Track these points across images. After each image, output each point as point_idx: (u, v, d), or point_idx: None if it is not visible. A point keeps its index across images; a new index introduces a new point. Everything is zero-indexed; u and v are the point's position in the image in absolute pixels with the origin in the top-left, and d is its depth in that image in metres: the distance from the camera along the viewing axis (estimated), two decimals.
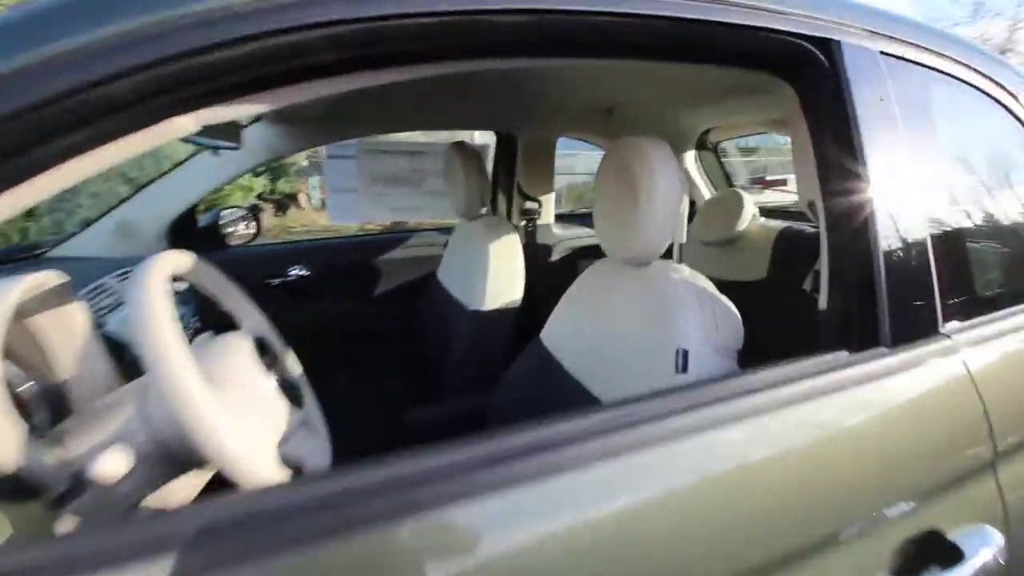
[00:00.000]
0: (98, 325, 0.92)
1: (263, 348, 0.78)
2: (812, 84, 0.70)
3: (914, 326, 0.68)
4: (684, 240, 0.89)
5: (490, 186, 1.54)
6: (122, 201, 1.51)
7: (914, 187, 0.70)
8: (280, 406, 0.72)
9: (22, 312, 0.65)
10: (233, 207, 1.89)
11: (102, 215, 1.49)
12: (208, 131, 0.97)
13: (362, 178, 1.78)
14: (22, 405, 0.61)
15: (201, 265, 0.81)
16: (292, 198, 10.01)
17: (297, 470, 0.80)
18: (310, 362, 1.76)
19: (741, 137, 2.14)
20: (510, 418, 1.20)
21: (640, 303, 0.90)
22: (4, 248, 1.45)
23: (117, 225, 1.49)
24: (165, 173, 1.53)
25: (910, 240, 0.68)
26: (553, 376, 1.08)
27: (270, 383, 0.72)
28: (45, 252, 1.45)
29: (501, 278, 1.44)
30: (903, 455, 0.62)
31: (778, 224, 1.75)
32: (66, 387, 0.70)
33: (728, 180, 2.15)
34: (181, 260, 0.74)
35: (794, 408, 0.57)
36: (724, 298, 0.85)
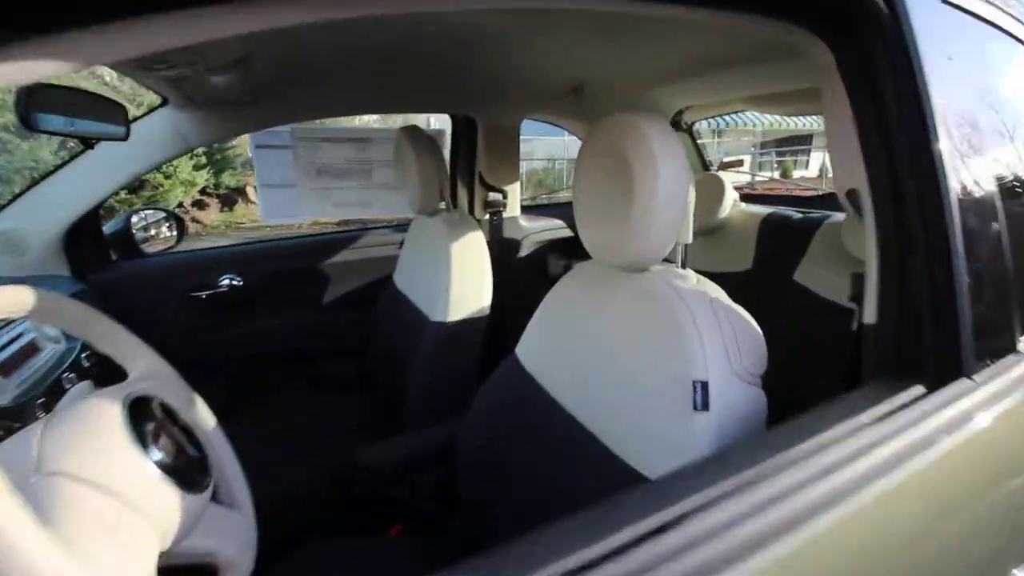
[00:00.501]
0: None
1: (144, 411, 0.57)
2: (864, 40, 0.54)
3: (994, 346, 0.54)
4: (690, 240, 0.73)
5: (448, 177, 1.34)
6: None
7: (988, 170, 0.55)
8: (166, 496, 0.52)
9: None
10: (150, 208, 1.63)
11: None
12: (76, 111, 0.72)
13: (299, 171, 1.55)
14: None
15: (52, 300, 0.59)
16: (239, 192, 9.41)
17: (207, 567, 0.61)
18: (245, 390, 1.53)
19: (715, 117, 2.02)
20: (484, 453, 1.03)
21: (639, 319, 0.73)
22: None
23: None
24: (54, 171, 1.25)
25: (989, 238, 0.53)
26: (535, 403, 0.91)
27: (147, 468, 0.51)
28: None
29: (467, 283, 1.26)
30: (1005, 513, 0.48)
31: (762, 210, 1.63)
32: None
33: (704, 164, 2.02)
34: (10, 300, 0.53)
35: (882, 481, 0.41)
36: (741, 310, 0.70)
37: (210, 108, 1.26)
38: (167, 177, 8.07)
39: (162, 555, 0.56)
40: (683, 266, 0.74)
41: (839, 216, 1.42)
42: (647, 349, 0.71)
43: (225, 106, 1.27)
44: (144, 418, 0.56)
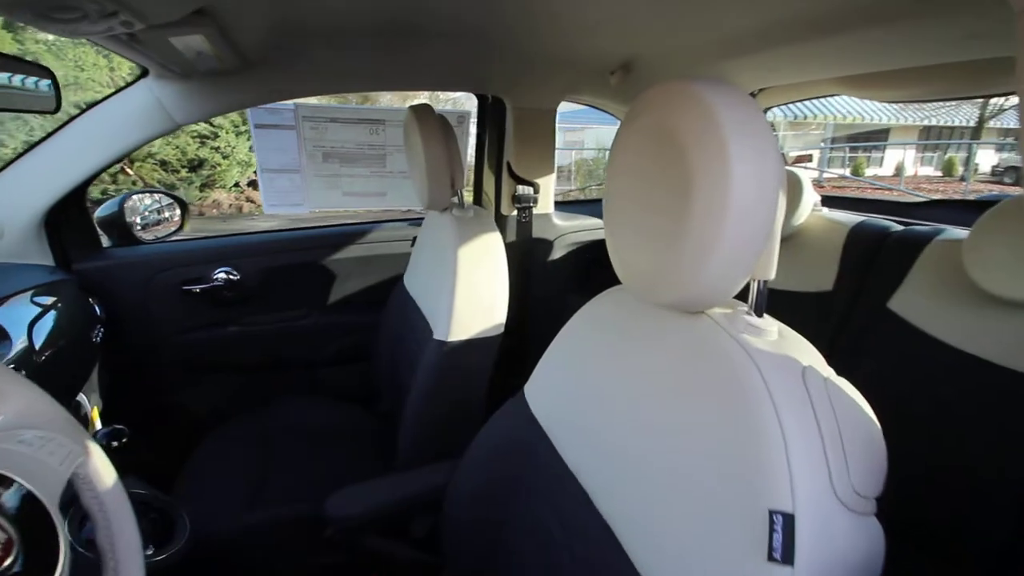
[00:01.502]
0: None
1: None
2: None
3: None
4: (772, 275, 0.48)
5: (460, 165, 1.14)
6: None
7: None
8: None
9: None
10: (150, 191, 1.51)
11: None
12: None
13: (304, 155, 1.38)
14: None
15: None
16: None
17: None
18: (236, 398, 1.38)
19: (796, 103, 1.70)
20: (477, 509, 0.82)
21: (687, 389, 0.50)
22: None
23: None
24: (27, 151, 1.13)
25: None
26: (541, 461, 0.70)
27: None
28: None
29: (477, 294, 1.05)
30: None
31: (848, 217, 1.33)
32: None
33: (783, 159, 1.70)
34: None
35: None
36: (849, 389, 0.45)
37: (194, 79, 1.10)
38: (224, 157, 8.33)
39: None
40: (760, 311, 0.50)
41: (956, 232, 1.11)
42: (696, 440, 0.47)
43: (210, 77, 1.10)
44: None
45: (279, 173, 1.39)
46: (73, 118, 1.12)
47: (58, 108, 0.80)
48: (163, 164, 7.96)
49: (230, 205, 8.73)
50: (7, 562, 0.41)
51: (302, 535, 1.02)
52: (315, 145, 1.39)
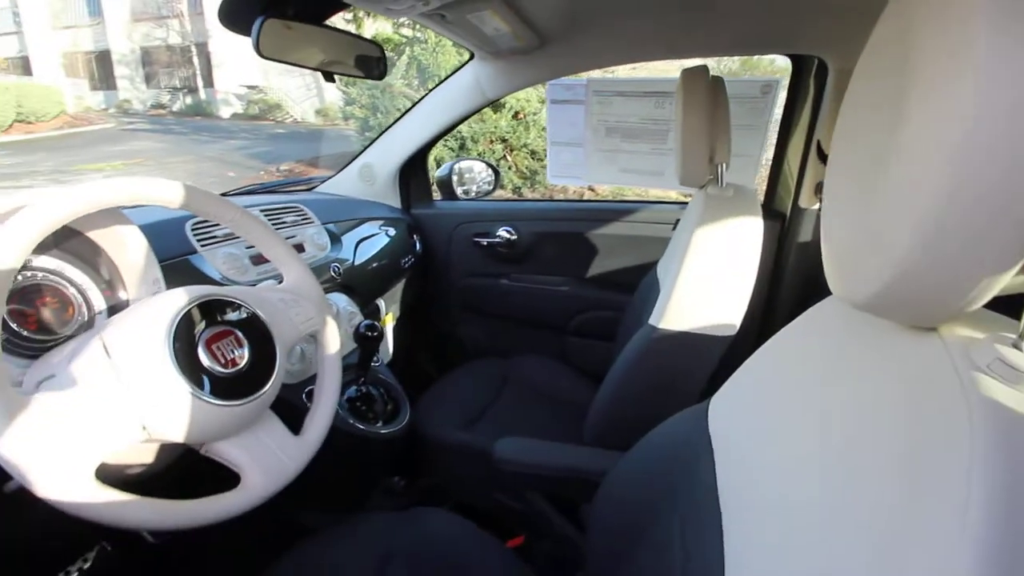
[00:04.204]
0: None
1: (213, 315, 0.60)
2: None
3: None
4: None
5: (727, 135, 0.96)
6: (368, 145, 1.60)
7: None
8: (181, 398, 0.53)
9: (82, 226, 0.64)
10: (473, 159, 1.83)
11: (353, 158, 1.62)
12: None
13: (589, 129, 1.42)
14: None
15: (209, 199, 0.67)
16: None
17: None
18: (486, 340, 1.58)
19: None
20: (622, 516, 0.72)
21: (873, 445, 0.31)
22: (288, 180, 1.75)
23: (360, 169, 1.60)
24: (398, 119, 1.54)
25: None
26: (693, 482, 0.56)
27: (165, 371, 0.53)
28: (316, 186, 1.68)
29: (707, 283, 0.89)
30: None
31: None
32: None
33: None
34: (162, 192, 0.61)
35: None
36: None
37: (502, 58, 1.26)
38: None
39: (199, 448, 0.59)
40: None
41: None
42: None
43: (516, 55, 1.25)
44: (210, 321, 0.59)
45: (566, 146, 1.49)
46: (426, 95, 1.46)
47: (383, 75, 1.05)
48: (532, 153, 9.60)
49: (574, 191, 9.89)
50: (239, 365, 0.60)
51: (490, 469, 1.11)
52: (599, 119, 1.42)
